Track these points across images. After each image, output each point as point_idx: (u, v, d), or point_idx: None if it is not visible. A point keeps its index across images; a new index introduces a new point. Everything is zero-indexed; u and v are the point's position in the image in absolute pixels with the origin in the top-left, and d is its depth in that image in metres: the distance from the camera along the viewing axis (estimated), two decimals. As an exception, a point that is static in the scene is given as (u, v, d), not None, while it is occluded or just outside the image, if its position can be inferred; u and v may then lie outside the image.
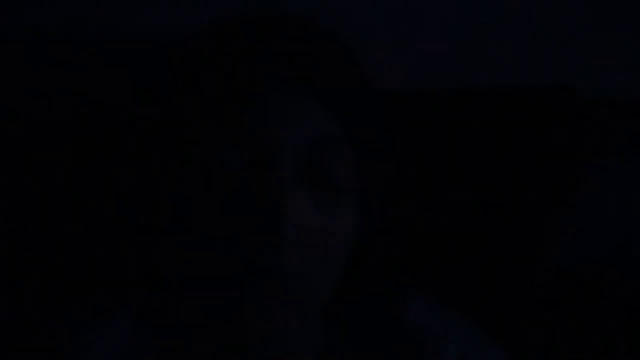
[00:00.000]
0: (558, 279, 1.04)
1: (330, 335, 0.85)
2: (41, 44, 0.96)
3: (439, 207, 1.01)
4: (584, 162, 1.05)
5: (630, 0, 1.07)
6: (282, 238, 0.68)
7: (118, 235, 0.88)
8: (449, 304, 0.89)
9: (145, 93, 0.83)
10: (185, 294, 0.76)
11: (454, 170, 1.02)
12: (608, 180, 1.06)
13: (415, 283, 0.92)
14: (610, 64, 1.07)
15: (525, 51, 1.06)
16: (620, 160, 1.06)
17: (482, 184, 1.02)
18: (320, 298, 0.76)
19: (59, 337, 0.78)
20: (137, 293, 0.84)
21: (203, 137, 0.72)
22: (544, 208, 1.02)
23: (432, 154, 1.02)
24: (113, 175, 0.91)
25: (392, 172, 0.84)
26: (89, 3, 0.96)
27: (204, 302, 0.74)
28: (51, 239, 0.94)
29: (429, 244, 1.01)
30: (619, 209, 1.07)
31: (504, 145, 1.02)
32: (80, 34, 0.96)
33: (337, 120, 0.73)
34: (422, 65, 1.04)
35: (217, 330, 0.75)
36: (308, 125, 0.71)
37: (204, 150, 0.72)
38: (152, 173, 0.78)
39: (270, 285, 0.70)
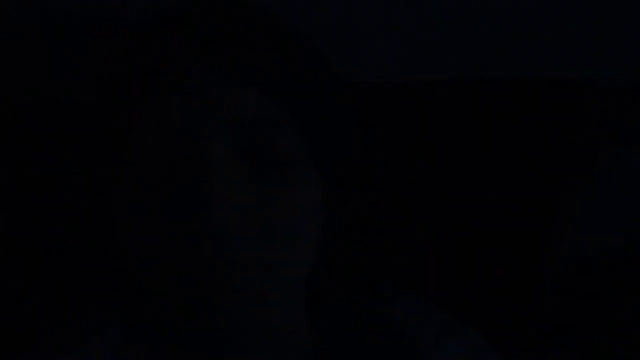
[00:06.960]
0: (566, 276, 1.01)
1: (318, 336, 0.82)
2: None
3: (439, 201, 0.98)
4: (594, 153, 1.01)
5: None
6: (213, 222, 0.65)
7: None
8: (447, 305, 0.85)
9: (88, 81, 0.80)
10: (154, 295, 0.73)
11: (459, 162, 0.99)
12: (620, 172, 1.03)
13: (410, 282, 0.89)
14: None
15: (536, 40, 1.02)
16: (633, 152, 1.03)
17: (488, 177, 0.99)
18: (289, 288, 0.72)
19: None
20: (124, 303, 0.82)
21: (127, 129, 0.70)
22: (551, 202, 0.99)
23: (440, 145, 0.99)
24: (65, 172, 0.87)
25: (358, 154, 0.79)
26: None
27: (170, 302, 0.71)
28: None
29: (427, 239, 0.97)
30: (629, 203, 1.04)
31: (509, 137, 0.99)
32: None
33: (278, 102, 0.69)
34: (428, 54, 1.01)
35: (188, 329, 0.72)
36: (232, 107, 0.68)
37: (130, 144, 0.70)
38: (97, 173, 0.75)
39: (221, 276, 0.67)
